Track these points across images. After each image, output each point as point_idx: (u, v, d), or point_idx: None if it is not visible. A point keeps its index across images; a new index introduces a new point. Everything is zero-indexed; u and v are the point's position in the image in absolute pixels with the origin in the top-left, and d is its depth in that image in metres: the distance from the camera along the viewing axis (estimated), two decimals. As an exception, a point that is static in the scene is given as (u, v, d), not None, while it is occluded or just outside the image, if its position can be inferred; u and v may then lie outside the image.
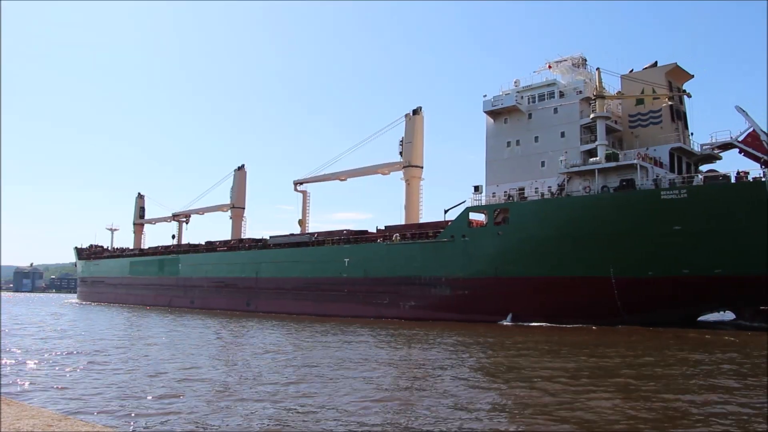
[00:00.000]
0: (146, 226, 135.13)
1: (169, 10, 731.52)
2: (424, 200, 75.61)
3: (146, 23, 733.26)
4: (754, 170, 48.06)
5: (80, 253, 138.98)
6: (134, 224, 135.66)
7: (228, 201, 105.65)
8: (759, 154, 52.00)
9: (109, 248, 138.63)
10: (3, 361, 25.60)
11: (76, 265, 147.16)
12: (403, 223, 72.74)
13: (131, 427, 14.66)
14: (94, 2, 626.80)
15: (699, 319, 54.13)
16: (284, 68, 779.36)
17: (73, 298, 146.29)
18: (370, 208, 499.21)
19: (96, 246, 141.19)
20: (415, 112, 75.00)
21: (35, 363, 25.69)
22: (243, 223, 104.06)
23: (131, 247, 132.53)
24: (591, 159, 53.42)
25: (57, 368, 24.29)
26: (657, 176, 50.38)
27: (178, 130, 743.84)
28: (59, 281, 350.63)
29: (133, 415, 15.87)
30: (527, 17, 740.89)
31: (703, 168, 57.75)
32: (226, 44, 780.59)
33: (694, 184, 48.45)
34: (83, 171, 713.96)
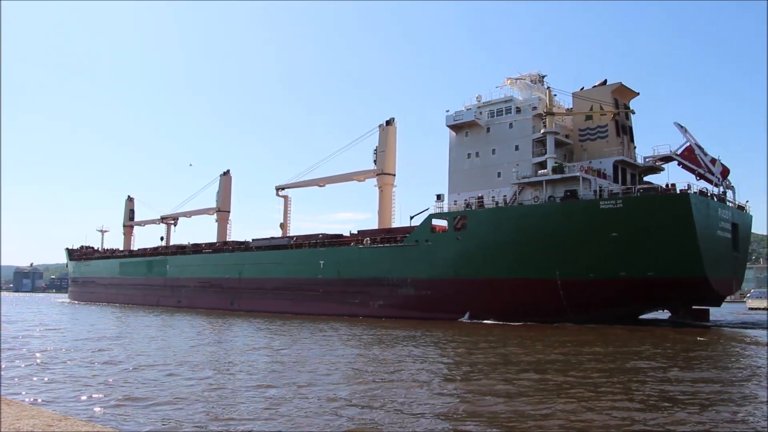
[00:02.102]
0: (135, 228, 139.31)
1: (148, 19, 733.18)
2: (398, 205, 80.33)
3: (130, 28, 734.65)
4: (682, 183, 53.21)
5: (71, 254, 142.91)
6: (124, 226, 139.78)
7: (214, 205, 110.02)
8: (694, 167, 57.11)
9: (100, 249, 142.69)
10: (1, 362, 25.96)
11: (67, 266, 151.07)
12: (377, 227, 77.56)
13: (130, 427, 14.95)
14: (81, 3, 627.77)
15: (640, 317, 59.07)
16: (272, 73, 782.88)
17: (65, 298, 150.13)
18: (368, 208, 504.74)
19: (87, 247, 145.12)
20: (389, 123, 79.66)
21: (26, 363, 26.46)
22: (228, 225, 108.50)
23: (121, 248, 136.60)
24: (540, 171, 58.30)
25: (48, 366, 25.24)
26: (600, 187, 55.15)
27: (166, 136, 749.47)
28: (59, 281, 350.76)
29: (130, 413, 16.43)
30: (515, 22, 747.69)
31: (648, 178, 62.71)
32: (214, 50, 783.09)
33: (632, 195, 53.38)
34: (77, 171, 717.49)
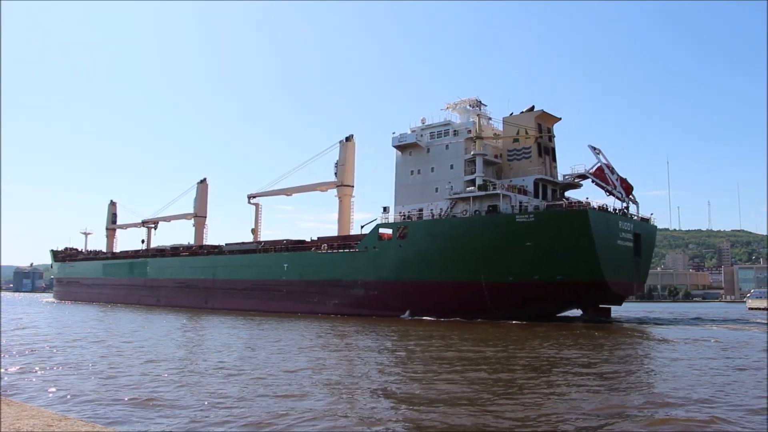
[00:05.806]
0: (118, 231, 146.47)
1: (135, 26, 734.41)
2: (355, 214, 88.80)
3: (113, 33, 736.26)
4: (593, 199, 62.15)
5: (56, 255, 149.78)
6: (107, 229, 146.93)
7: (192, 210, 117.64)
8: (603, 185, 66.03)
9: (84, 251, 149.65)
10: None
11: (52, 266, 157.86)
12: (337, 234, 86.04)
13: (130, 427, 14.99)
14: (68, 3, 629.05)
15: (557, 315, 67.87)
16: (250, 84, 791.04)
17: (50, 298, 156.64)
18: (364, 208, 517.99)
19: (71, 249, 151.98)
20: (348, 139, 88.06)
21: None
22: (204, 229, 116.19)
23: (104, 250, 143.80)
24: (468, 188, 66.99)
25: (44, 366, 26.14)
26: (520, 202, 63.82)
27: (148, 143, 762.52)
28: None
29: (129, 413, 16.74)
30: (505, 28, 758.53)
31: (569, 193, 71.49)
32: (200, 61, 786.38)
33: (542, 210, 62.14)
34: (64, 174, 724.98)
